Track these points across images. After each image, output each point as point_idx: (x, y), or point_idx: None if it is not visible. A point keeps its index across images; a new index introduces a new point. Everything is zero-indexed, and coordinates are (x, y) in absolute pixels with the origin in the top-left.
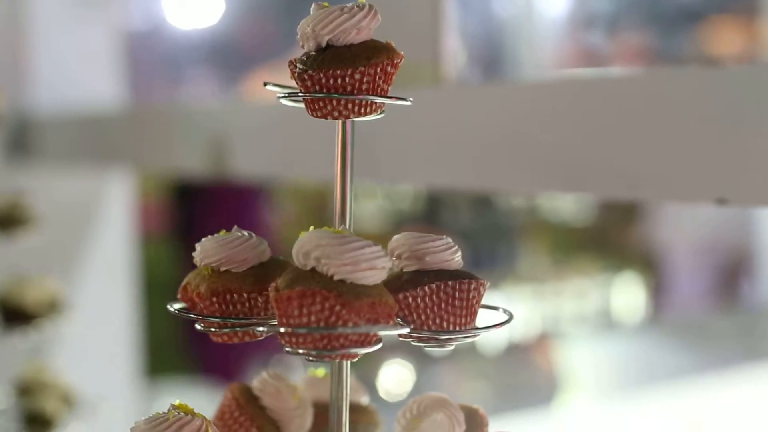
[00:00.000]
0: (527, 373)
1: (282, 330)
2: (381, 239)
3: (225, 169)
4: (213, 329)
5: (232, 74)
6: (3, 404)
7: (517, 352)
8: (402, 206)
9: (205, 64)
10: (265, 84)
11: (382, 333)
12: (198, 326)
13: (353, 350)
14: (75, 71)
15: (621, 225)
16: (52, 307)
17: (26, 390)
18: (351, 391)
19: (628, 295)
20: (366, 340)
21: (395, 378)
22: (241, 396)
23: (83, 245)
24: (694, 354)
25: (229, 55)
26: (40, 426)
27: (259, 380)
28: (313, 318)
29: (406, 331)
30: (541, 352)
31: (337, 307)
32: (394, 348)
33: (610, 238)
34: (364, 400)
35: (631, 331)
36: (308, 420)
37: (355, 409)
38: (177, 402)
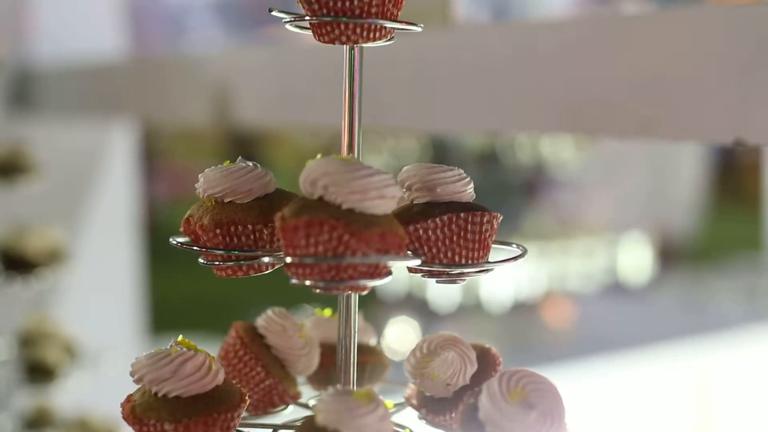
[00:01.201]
0: (533, 332)
1: (288, 260)
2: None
3: (229, 118)
4: (216, 262)
5: (236, 22)
6: (5, 355)
7: (522, 310)
8: (407, 162)
9: (208, 13)
10: (270, 10)
11: (392, 264)
12: (201, 260)
13: (362, 282)
14: (77, 21)
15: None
16: (53, 257)
17: (28, 340)
18: (359, 331)
19: (634, 253)
20: (375, 272)
21: (400, 336)
22: (246, 335)
23: (86, 196)
24: (701, 314)
25: (233, 2)
26: (42, 376)
27: (264, 318)
28: (320, 248)
29: (417, 262)
30: (547, 311)
31: (346, 237)
32: (400, 306)
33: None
34: (373, 341)
35: (637, 291)
36: (315, 360)
37: (364, 350)
38: (179, 338)
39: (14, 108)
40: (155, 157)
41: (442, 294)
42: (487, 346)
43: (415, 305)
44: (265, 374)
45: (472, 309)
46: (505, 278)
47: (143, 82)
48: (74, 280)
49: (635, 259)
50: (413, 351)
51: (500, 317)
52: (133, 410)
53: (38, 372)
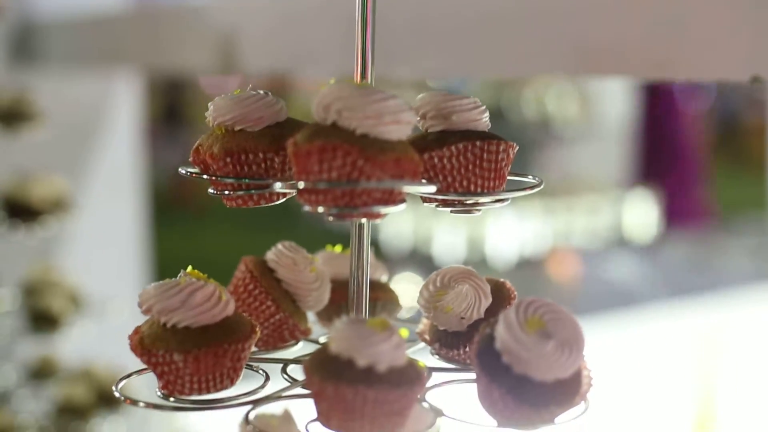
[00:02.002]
0: (538, 288)
1: (301, 186)
2: None
3: (234, 67)
4: (227, 192)
5: None
6: (9, 305)
7: (528, 267)
8: None
9: None
10: None
11: (407, 190)
12: (210, 190)
13: (376, 208)
14: None
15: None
16: (58, 205)
17: (33, 290)
18: (371, 267)
19: (640, 210)
20: (390, 198)
21: (405, 291)
22: (256, 268)
23: (91, 146)
24: (706, 272)
25: None
26: (46, 325)
27: (274, 252)
28: (334, 173)
29: (432, 189)
30: (553, 268)
31: (360, 162)
32: (404, 262)
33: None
34: (384, 278)
35: (643, 248)
36: (326, 294)
37: (375, 286)
38: (189, 268)
39: (17, 60)
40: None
41: (446, 250)
42: (501, 280)
43: (420, 261)
44: (276, 308)
45: (477, 265)
46: (511, 234)
47: (147, 32)
48: (79, 230)
49: (640, 216)
50: (426, 284)
51: (505, 273)
52: (141, 341)
53: (43, 321)
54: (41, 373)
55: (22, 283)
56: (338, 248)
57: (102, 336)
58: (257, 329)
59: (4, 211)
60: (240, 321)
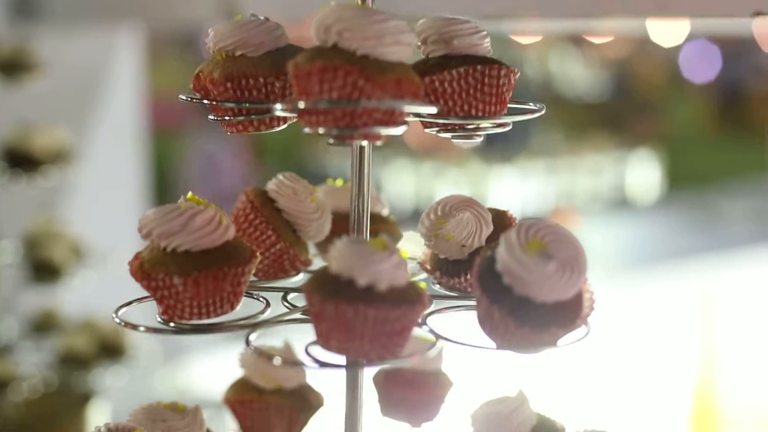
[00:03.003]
0: None
1: (301, 106)
2: None
3: (236, 14)
4: (227, 117)
5: None
6: (11, 257)
7: None
8: None
9: None
10: None
11: (407, 109)
12: (211, 117)
13: (376, 129)
14: None
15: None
16: (59, 156)
17: (35, 241)
18: (371, 200)
19: (642, 172)
20: (390, 119)
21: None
22: (256, 198)
23: (93, 98)
24: (707, 233)
25: None
26: (48, 275)
27: (275, 182)
28: (335, 94)
29: (432, 110)
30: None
31: (361, 82)
32: (406, 222)
33: (626, 114)
34: (385, 211)
35: (644, 209)
36: (326, 225)
37: (376, 218)
38: (189, 194)
39: (20, 16)
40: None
41: None
42: (503, 209)
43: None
44: (276, 238)
45: None
46: (513, 194)
47: None
48: (81, 181)
49: (643, 177)
50: (427, 213)
51: None
52: (141, 266)
53: (44, 271)
54: (43, 325)
55: (24, 235)
56: (339, 182)
57: (104, 287)
58: (257, 254)
59: (6, 162)
60: (240, 246)
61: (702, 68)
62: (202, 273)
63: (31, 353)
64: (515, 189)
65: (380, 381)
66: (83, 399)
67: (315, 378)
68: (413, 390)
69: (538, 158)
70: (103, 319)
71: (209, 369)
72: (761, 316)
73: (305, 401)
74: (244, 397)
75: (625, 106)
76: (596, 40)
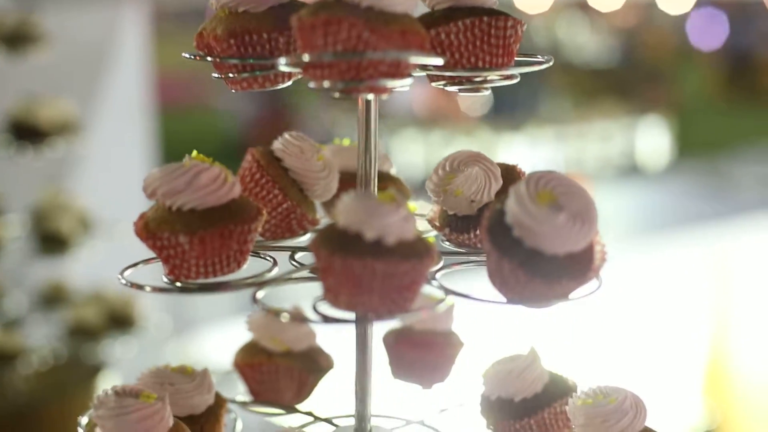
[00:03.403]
0: None
1: (306, 59)
2: None
3: None
4: (231, 75)
5: None
6: (18, 230)
7: None
8: None
9: None
10: None
11: (413, 61)
12: (214, 75)
13: (382, 82)
14: None
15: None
16: (65, 127)
17: (42, 213)
18: (379, 159)
19: (652, 138)
20: (396, 72)
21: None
22: (263, 157)
23: (99, 70)
24: (718, 199)
25: None
26: (56, 246)
27: (281, 141)
28: (339, 47)
29: (439, 62)
30: None
31: (365, 34)
32: (416, 191)
33: (635, 79)
34: (393, 170)
35: (655, 175)
36: (333, 183)
37: (384, 176)
38: (194, 153)
39: None
40: None
41: None
42: (512, 164)
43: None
44: (283, 197)
45: None
46: (523, 161)
47: None
48: (88, 153)
49: (653, 143)
50: (436, 169)
51: None
52: (146, 225)
53: (52, 243)
54: (52, 297)
55: (32, 208)
56: (346, 141)
57: (112, 258)
58: (264, 212)
59: (12, 134)
60: (246, 204)
61: (710, 35)
62: (208, 231)
63: (41, 326)
64: (524, 156)
65: (390, 343)
66: (93, 370)
67: (325, 340)
68: (424, 351)
69: (547, 125)
70: (112, 291)
71: (219, 341)
72: None
73: (315, 363)
74: (253, 360)
75: (634, 74)
76: (604, 9)
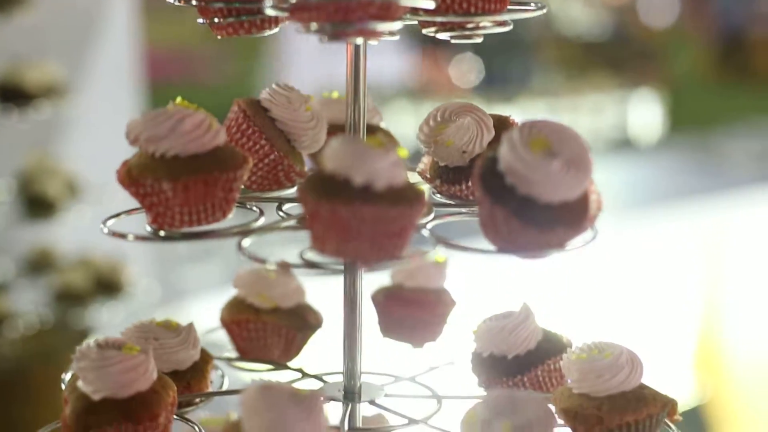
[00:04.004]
0: None
1: (293, 1)
2: None
3: None
4: (216, 20)
5: None
6: (6, 194)
7: None
8: None
9: None
10: None
11: (403, 3)
12: (200, 20)
13: (371, 25)
14: None
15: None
16: (52, 90)
17: (29, 177)
18: (368, 111)
19: (644, 112)
20: (386, 14)
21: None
22: (249, 107)
23: (87, 32)
24: (709, 174)
25: None
26: (43, 210)
27: (268, 91)
28: None
29: (431, 5)
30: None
31: None
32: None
33: (627, 53)
34: (383, 123)
35: (647, 149)
36: (322, 134)
37: (373, 129)
38: (178, 99)
39: None
40: None
41: None
42: (505, 115)
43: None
44: (270, 147)
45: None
46: None
47: None
48: (75, 116)
49: (645, 117)
50: (427, 119)
51: None
52: (128, 172)
53: (39, 206)
54: (39, 263)
55: (18, 172)
56: (335, 94)
57: (99, 223)
58: (249, 160)
59: None
60: (231, 151)
61: (701, 13)
62: (192, 178)
63: (27, 291)
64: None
65: (380, 301)
66: (80, 335)
67: (314, 298)
68: (414, 309)
69: (538, 98)
70: (100, 256)
71: (208, 311)
72: (762, 255)
73: (303, 321)
74: (239, 317)
75: (626, 49)
76: None
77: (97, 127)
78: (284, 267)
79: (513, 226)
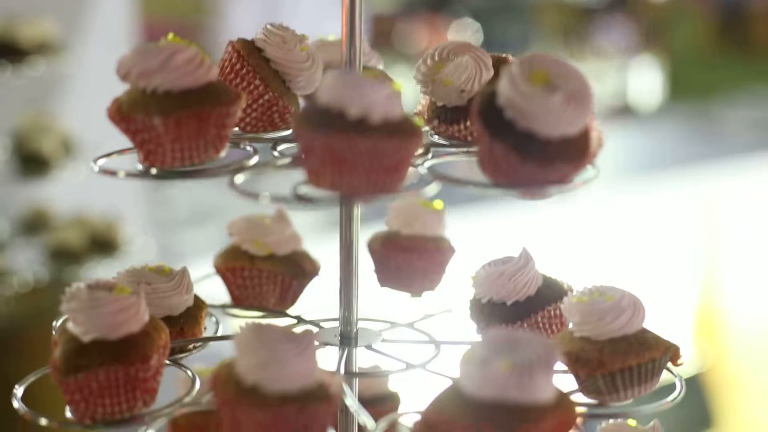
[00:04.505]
0: None
1: None
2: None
3: None
4: None
5: None
6: (1, 152)
7: None
8: None
9: None
10: None
11: None
12: None
13: None
14: None
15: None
16: (46, 47)
17: (24, 134)
18: (364, 54)
19: (644, 79)
20: None
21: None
22: (243, 48)
23: None
24: (709, 142)
25: None
26: (37, 167)
27: (262, 31)
28: None
29: None
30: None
31: None
32: None
33: (627, 21)
34: (380, 66)
35: (647, 116)
36: (317, 75)
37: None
38: (170, 36)
39: None
40: None
41: None
42: (504, 54)
43: None
44: (264, 88)
45: None
46: None
47: None
48: (70, 75)
49: (645, 84)
50: (424, 58)
51: None
52: (119, 109)
53: (33, 163)
54: (34, 223)
55: (13, 130)
56: (331, 37)
57: (94, 182)
58: (243, 96)
59: None
60: (224, 87)
61: None
62: (184, 113)
63: (23, 250)
64: None
65: (377, 249)
66: None
67: (311, 245)
68: (412, 257)
69: None
70: (95, 215)
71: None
72: (761, 221)
73: (299, 268)
74: (234, 264)
75: (627, 18)
76: None
77: (93, 86)
78: (278, 201)
79: (512, 161)
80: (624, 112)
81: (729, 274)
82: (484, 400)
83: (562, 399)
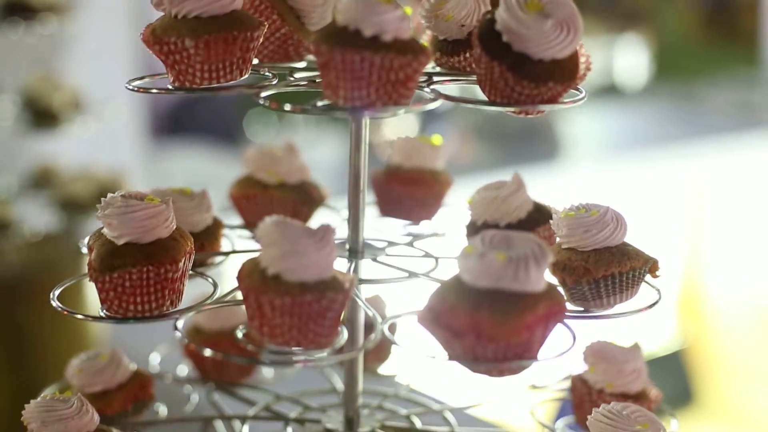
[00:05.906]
0: (530, 133)
1: None
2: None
3: None
4: None
5: None
6: (11, 110)
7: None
8: None
9: None
10: None
11: None
12: None
13: None
14: None
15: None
16: (57, 6)
17: (33, 91)
18: None
19: (630, 58)
20: None
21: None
22: None
23: None
24: (693, 122)
25: None
26: (47, 121)
27: None
28: None
29: None
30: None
31: None
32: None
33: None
34: None
35: (632, 95)
36: (329, 12)
37: None
38: None
39: None
40: None
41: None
42: None
43: None
44: (281, 22)
45: (468, 109)
46: None
47: None
48: (79, 32)
49: (631, 63)
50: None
51: (496, 116)
52: (153, 32)
53: (43, 118)
54: (43, 180)
55: (23, 87)
56: None
57: (102, 139)
58: (264, 23)
59: (2, 10)
60: (247, 15)
61: None
62: (213, 35)
63: (32, 203)
64: None
65: (379, 180)
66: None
67: (318, 175)
68: (412, 188)
69: None
70: (102, 170)
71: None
72: (743, 200)
73: (308, 195)
74: (248, 192)
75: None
76: None
77: (101, 44)
78: (297, 111)
79: (509, 81)
80: (609, 90)
81: (712, 251)
82: (483, 289)
83: (553, 291)
